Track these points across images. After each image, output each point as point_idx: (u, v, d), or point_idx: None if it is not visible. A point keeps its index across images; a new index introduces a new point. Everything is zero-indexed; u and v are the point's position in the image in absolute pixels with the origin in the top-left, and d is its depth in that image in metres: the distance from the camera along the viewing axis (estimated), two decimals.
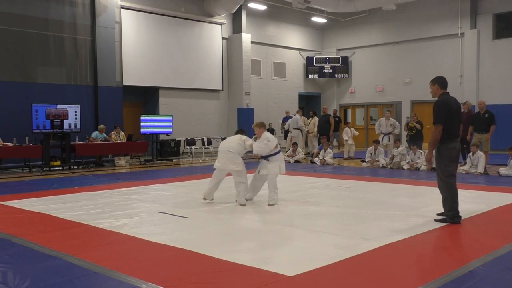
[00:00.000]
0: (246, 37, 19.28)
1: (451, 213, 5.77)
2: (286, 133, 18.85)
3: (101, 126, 14.10)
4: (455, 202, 5.77)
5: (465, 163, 11.46)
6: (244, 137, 7.46)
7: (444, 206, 5.85)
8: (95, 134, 13.82)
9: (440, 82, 5.96)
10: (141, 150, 14.93)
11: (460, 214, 5.83)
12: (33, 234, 5.41)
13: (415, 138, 12.82)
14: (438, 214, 5.94)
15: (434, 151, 5.85)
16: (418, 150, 12.22)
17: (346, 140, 15.82)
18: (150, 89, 17.33)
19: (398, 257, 4.54)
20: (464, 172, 10.98)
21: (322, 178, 10.54)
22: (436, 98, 5.96)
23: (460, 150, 5.91)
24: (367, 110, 22.39)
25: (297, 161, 14.48)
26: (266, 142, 7.24)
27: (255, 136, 7.50)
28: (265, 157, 7.29)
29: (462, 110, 12.74)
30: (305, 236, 5.21)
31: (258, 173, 7.36)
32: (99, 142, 13.71)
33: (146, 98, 17.77)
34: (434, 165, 6.17)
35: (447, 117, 5.69)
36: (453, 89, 18.13)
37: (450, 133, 5.71)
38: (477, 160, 10.95)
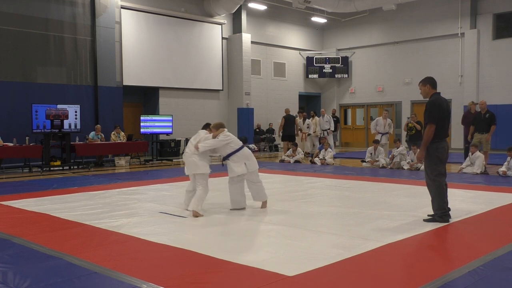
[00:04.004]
0: (246, 37, 19.28)
1: (440, 212, 5.80)
2: (285, 134, 18.68)
3: (97, 126, 14.12)
4: (444, 201, 5.82)
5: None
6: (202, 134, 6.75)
7: (432, 205, 5.89)
8: (92, 134, 13.84)
9: (431, 82, 6.01)
10: (141, 150, 14.93)
11: (449, 213, 5.86)
12: (33, 234, 5.41)
13: (414, 138, 12.81)
14: (428, 215, 5.97)
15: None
16: (418, 150, 12.22)
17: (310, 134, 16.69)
18: (150, 89, 17.33)
19: (398, 257, 4.54)
20: (459, 171, 11.03)
21: (322, 178, 10.54)
22: (427, 98, 6.02)
23: (448, 149, 5.99)
24: (367, 110, 22.39)
25: (297, 161, 14.48)
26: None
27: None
28: (226, 158, 6.65)
29: (469, 110, 12.83)
30: (305, 236, 5.21)
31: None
32: (98, 142, 13.72)
33: (146, 98, 17.77)
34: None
35: (438, 117, 5.76)
36: (453, 89, 18.44)
37: (439, 132, 5.80)
38: (476, 160, 10.99)
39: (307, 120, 16.98)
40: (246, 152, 6.70)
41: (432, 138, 5.78)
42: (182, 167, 14.09)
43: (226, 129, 6.79)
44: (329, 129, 16.79)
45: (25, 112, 12.75)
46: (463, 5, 18.63)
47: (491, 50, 18.22)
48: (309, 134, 16.97)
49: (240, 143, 6.73)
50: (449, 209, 5.90)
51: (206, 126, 6.99)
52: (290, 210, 6.76)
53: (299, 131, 16.85)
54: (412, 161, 12.08)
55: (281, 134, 16.50)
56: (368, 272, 4.03)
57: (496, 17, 18.21)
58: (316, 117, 17.45)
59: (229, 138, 6.61)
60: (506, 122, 16.48)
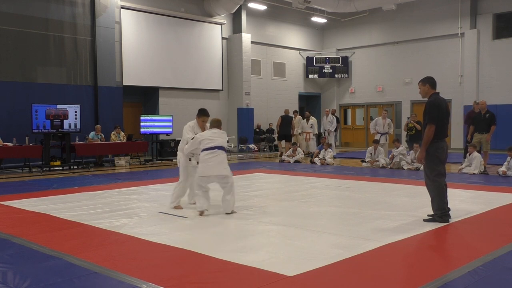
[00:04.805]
0: (246, 37, 19.28)
1: (440, 212, 5.81)
2: (281, 134, 18.66)
3: (97, 126, 14.13)
4: (443, 201, 5.83)
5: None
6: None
7: (432, 205, 5.90)
8: (91, 134, 13.85)
9: (431, 82, 6.02)
10: (141, 150, 14.93)
11: (449, 213, 5.87)
12: (33, 234, 5.41)
13: (414, 138, 12.80)
14: (428, 215, 5.99)
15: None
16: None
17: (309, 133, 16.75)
18: (150, 89, 17.33)
19: (398, 257, 4.54)
20: (458, 172, 11.05)
21: (322, 178, 10.53)
22: (426, 98, 6.04)
23: (448, 149, 6.01)
24: (367, 110, 22.39)
25: (297, 161, 14.49)
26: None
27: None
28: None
29: (471, 110, 12.84)
30: (305, 236, 5.21)
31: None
32: (98, 142, 13.72)
33: (146, 98, 17.77)
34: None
35: (438, 117, 5.78)
36: (453, 89, 18.44)
37: (439, 133, 5.81)
38: (473, 161, 11.02)
39: (310, 120, 16.99)
40: (202, 156, 6.41)
41: (432, 138, 5.78)
42: None
43: (212, 130, 6.71)
44: (330, 129, 16.85)
45: (25, 112, 12.75)
46: (463, 5, 18.63)
47: (491, 50, 18.22)
48: (315, 134, 17.05)
49: (205, 147, 6.41)
50: (449, 209, 5.91)
51: (201, 112, 7.09)
52: (290, 210, 6.76)
53: (301, 132, 16.89)
54: (412, 161, 12.07)
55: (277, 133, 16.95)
56: (368, 272, 4.04)
57: (496, 17, 18.21)
58: (312, 117, 17.51)
59: (196, 143, 6.51)
60: (506, 122, 16.48)
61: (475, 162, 10.91)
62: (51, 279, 3.86)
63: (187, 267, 4.19)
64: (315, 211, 6.70)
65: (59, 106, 12.92)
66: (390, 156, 12.91)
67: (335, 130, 17.44)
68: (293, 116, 17.64)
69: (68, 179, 10.91)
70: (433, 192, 5.86)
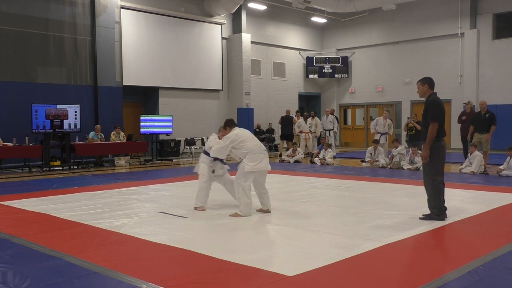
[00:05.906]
0: (246, 37, 19.28)
1: (436, 211, 5.87)
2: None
3: (97, 126, 14.13)
4: (440, 200, 5.88)
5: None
6: None
7: (428, 203, 5.96)
8: (91, 134, 13.86)
9: (430, 83, 6.08)
10: (141, 150, 14.93)
11: (446, 211, 5.93)
12: (33, 234, 5.41)
13: (414, 139, 12.80)
14: (423, 215, 6.03)
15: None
16: (418, 151, 12.21)
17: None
18: (150, 89, 17.33)
19: (398, 257, 4.54)
20: (459, 172, 11.05)
21: (322, 178, 10.54)
22: (424, 98, 6.12)
23: (446, 148, 6.05)
24: (367, 110, 22.38)
25: (297, 161, 14.49)
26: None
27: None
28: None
29: (464, 110, 13.02)
30: (305, 236, 5.21)
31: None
32: (98, 142, 13.72)
33: (146, 98, 17.77)
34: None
35: (440, 116, 5.86)
36: (453, 89, 18.45)
37: (440, 132, 5.87)
38: (474, 160, 11.03)
39: (309, 120, 16.98)
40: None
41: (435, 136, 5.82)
42: (182, 167, 14.10)
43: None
44: (332, 129, 16.77)
45: (25, 112, 12.75)
46: (463, 5, 18.63)
47: (491, 50, 18.22)
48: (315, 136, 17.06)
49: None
50: (445, 209, 5.95)
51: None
52: (290, 210, 6.76)
53: (301, 132, 16.87)
54: (412, 161, 12.06)
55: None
56: (368, 272, 4.04)
57: (496, 17, 18.21)
58: (317, 118, 17.47)
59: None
60: (506, 122, 16.48)
61: (475, 161, 10.92)
62: (51, 279, 3.86)
63: (187, 267, 4.19)
64: (315, 211, 6.70)
65: (59, 106, 12.92)
66: (389, 156, 12.91)
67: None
68: (295, 116, 17.59)
69: (68, 179, 10.91)
70: (430, 190, 5.92)
